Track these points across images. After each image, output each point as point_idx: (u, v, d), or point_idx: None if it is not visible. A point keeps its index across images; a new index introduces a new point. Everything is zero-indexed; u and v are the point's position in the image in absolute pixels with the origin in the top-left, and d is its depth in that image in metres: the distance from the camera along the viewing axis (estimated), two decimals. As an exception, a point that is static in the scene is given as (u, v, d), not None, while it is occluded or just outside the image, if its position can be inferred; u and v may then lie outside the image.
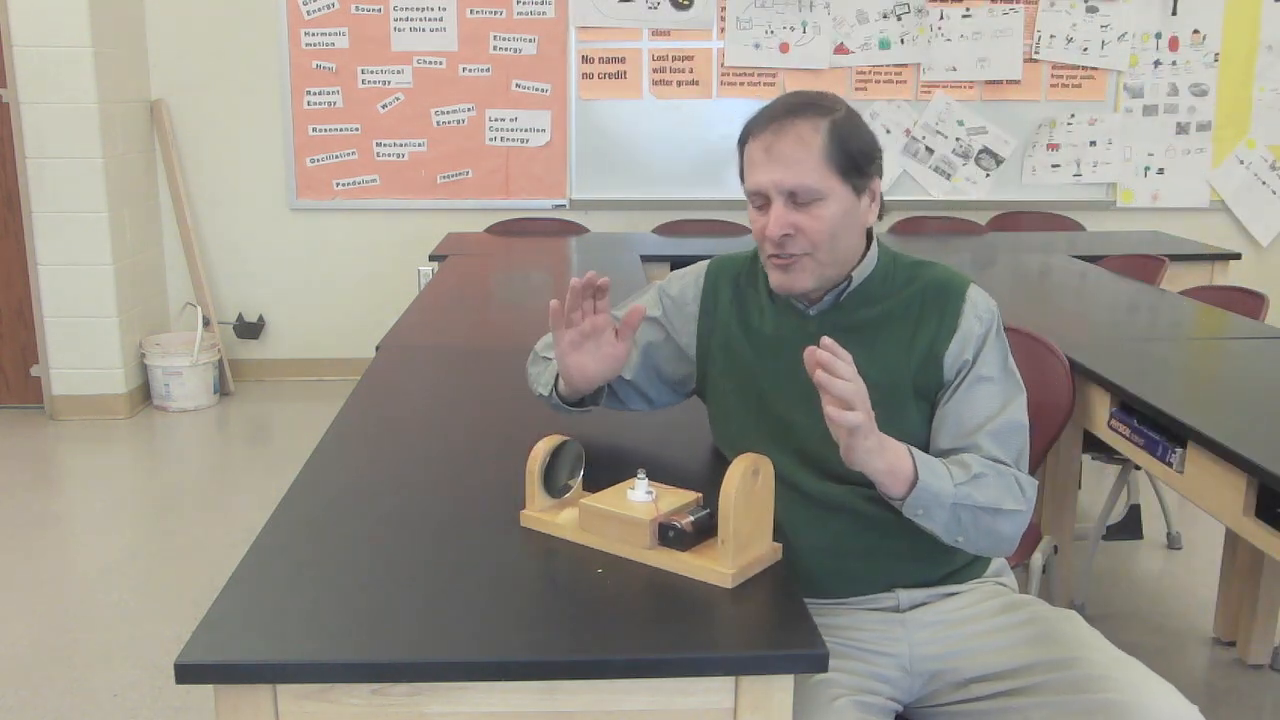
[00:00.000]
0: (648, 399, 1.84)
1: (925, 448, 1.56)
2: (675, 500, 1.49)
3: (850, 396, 1.36)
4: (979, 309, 1.60)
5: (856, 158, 1.55)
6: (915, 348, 1.58)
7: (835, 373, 1.36)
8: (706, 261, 1.80)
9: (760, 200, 1.58)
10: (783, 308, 1.67)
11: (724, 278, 1.76)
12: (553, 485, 1.55)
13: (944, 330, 1.58)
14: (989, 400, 1.56)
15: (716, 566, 1.37)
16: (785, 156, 1.53)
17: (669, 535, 1.42)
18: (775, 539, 1.45)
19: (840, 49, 5.14)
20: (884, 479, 1.45)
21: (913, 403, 1.58)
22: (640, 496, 1.48)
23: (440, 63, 5.10)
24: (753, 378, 1.67)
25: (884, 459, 1.43)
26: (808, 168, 1.53)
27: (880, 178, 1.61)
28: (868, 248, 1.64)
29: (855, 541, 1.59)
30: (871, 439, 1.41)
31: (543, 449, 1.54)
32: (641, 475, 1.50)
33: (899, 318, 1.60)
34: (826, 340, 1.38)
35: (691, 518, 1.44)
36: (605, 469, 1.66)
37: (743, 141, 1.61)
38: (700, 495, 1.52)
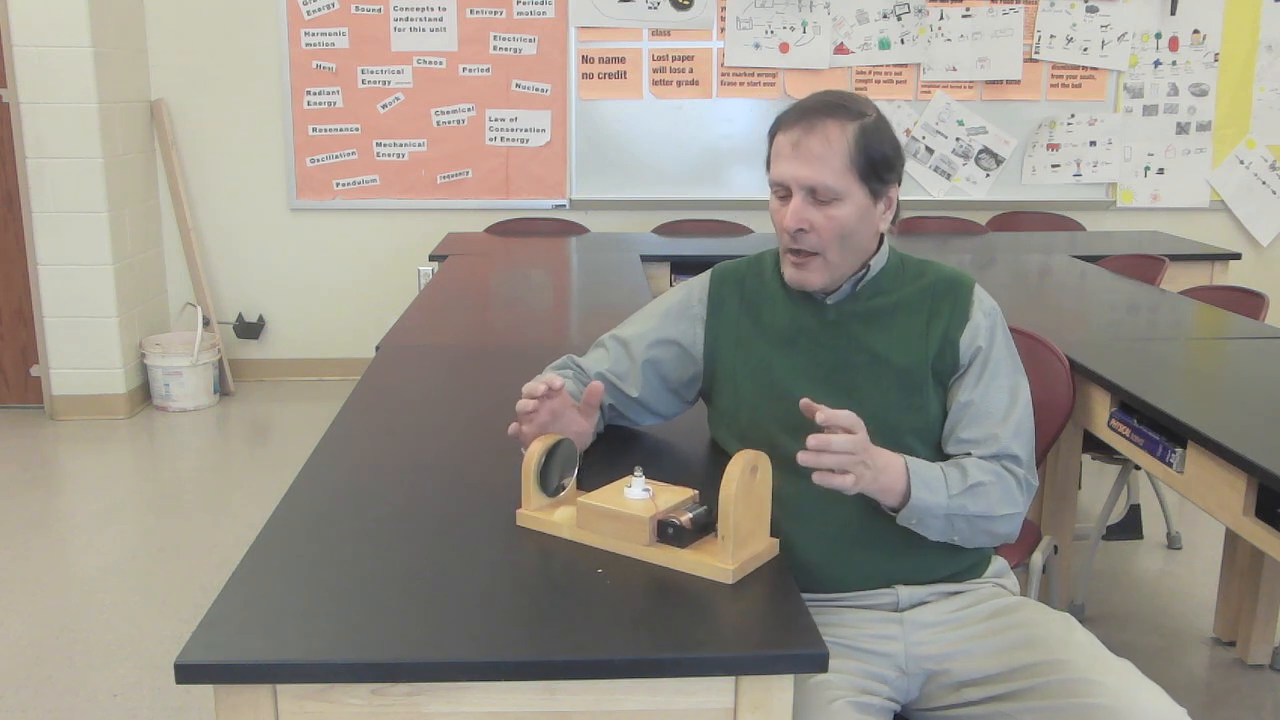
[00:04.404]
0: (656, 413, 1.86)
1: (941, 426, 1.64)
2: (672, 497, 1.50)
3: (845, 452, 1.43)
4: (985, 306, 1.68)
5: (878, 164, 1.60)
6: (932, 332, 1.65)
7: (828, 447, 1.41)
8: (709, 270, 1.84)
9: (782, 191, 1.62)
10: (798, 298, 1.71)
11: (728, 283, 1.79)
12: (547, 484, 1.55)
13: (956, 319, 1.65)
14: (1002, 393, 1.64)
15: (717, 562, 1.37)
16: (810, 153, 1.57)
17: (668, 532, 1.42)
18: (773, 534, 1.45)
19: (840, 49, 5.14)
20: (878, 498, 1.55)
21: (931, 385, 1.64)
22: (638, 494, 1.48)
23: (440, 63, 5.10)
24: (767, 368, 1.70)
25: (878, 483, 1.50)
26: (830, 168, 1.57)
27: (899, 185, 1.65)
28: (878, 247, 1.69)
29: (861, 529, 1.60)
30: (866, 476, 1.47)
31: (538, 448, 1.55)
32: (638, 473, 1.50)
33: (913, 306, 1.67)
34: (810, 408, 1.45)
35: (690, 514, 1.44)
36: (598, 468, 1.66)
37: (772, 132, 1.65)
38: (696, 492, 1.52)
